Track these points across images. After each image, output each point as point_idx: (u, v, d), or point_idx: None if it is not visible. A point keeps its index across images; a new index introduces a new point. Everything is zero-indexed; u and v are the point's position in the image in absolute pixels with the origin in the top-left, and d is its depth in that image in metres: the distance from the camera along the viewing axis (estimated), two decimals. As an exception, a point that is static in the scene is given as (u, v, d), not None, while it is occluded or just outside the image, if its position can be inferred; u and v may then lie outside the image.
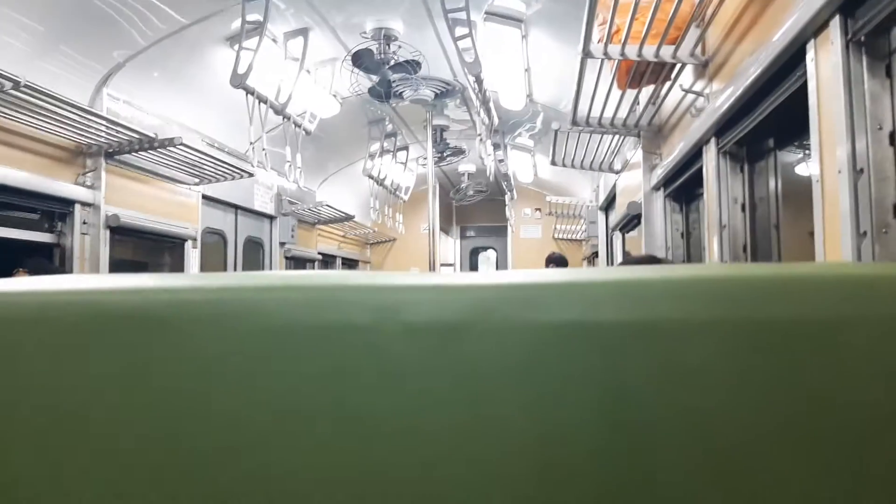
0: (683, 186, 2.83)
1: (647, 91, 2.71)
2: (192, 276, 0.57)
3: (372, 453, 0.50)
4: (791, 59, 1.59)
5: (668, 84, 2.50)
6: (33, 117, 2.81)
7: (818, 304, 0.50)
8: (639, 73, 2.45)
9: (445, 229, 9.02)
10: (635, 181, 3.40)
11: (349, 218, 6.26)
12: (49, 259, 3.25)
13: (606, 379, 0.50)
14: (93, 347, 0.51)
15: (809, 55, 1.47)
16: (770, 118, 1.86)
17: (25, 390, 0.51)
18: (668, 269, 0.56)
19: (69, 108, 2.87)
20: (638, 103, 2.90)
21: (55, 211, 3.28)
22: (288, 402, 0.50)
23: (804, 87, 1.54)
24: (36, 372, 0.51)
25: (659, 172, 2.98)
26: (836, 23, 1.34)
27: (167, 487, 0.50)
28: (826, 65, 1.40)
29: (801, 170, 2.17)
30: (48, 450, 0.50)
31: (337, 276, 0.56)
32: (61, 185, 3.23)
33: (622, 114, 2.94)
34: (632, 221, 3.62)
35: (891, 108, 1.29)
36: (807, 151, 2.11)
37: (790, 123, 1.89)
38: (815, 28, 1.41)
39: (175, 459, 0.50)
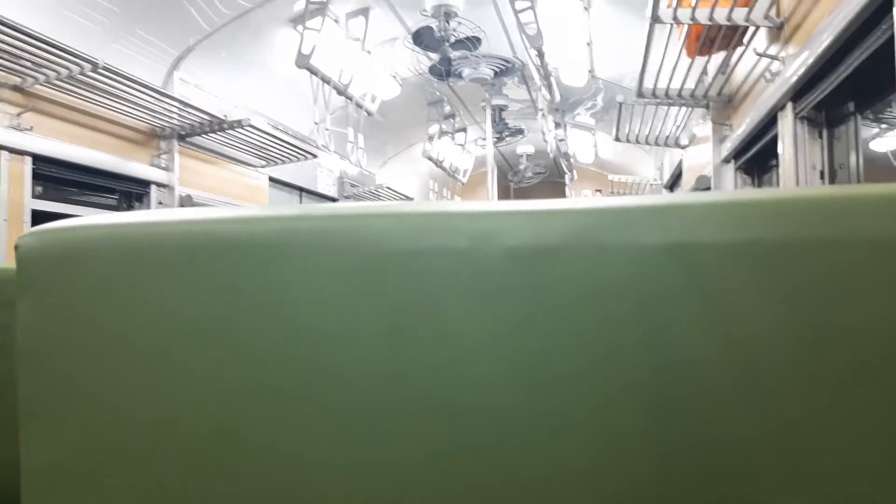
0: (756, 157, 2.73)
1: (716, 59, 2.63)
2: (297, 206, 0.59)
3: (472, 371, 0.51)
4: (874, 15, 1.52)
5: (739, 50, 2.41)
6: (111, 99, 2.94)
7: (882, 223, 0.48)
8: (709, 39, 2.37)
9: (504, 212, 8.95)
10: (703, 155, 3.31)
11: (408, 200, 6.32)
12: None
13: (705, 299, 0.49)
14: (205, 273, 0.54)
15: (897, 6, 1.39)
16: (851, 79, 1.78)
17: (141, 315, 0.54)
18: (767, 191, 0.55)
19: (144, 91, 2.99)
20: (707, 73, 2.81)
21: (133, 191, 3.42)
22: (391, 324, 0.52)
23: (887, 45, 1.47)
24: (149, 298, 0.54)
25: (729, 144, 2.89)
26: (928, -32, 1.27)
27: (270, 404, 0.52)
28: (917, 13, 1.33)
29: (882, 143, 2.07)
30: (160, 370, 0.53)
31: (437, 204, 0.58)
32: (138, 167, 3.37)
33: (690, 84, 2.86)
34: (699, 197, 3.53)
35: None
36: (885, 125, 2.01)
37: (872, 86, 1.80)
38: (904, -25, 1.34)
39: (279, 378, 0.52)
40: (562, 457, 0.50)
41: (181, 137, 3.58)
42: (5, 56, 2.36)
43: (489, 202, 0.58)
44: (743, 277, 0.49)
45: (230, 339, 0.53)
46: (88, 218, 0.57)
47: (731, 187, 2.99)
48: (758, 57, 2.33)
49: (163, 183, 3.52)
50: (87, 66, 2.55)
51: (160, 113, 3.26)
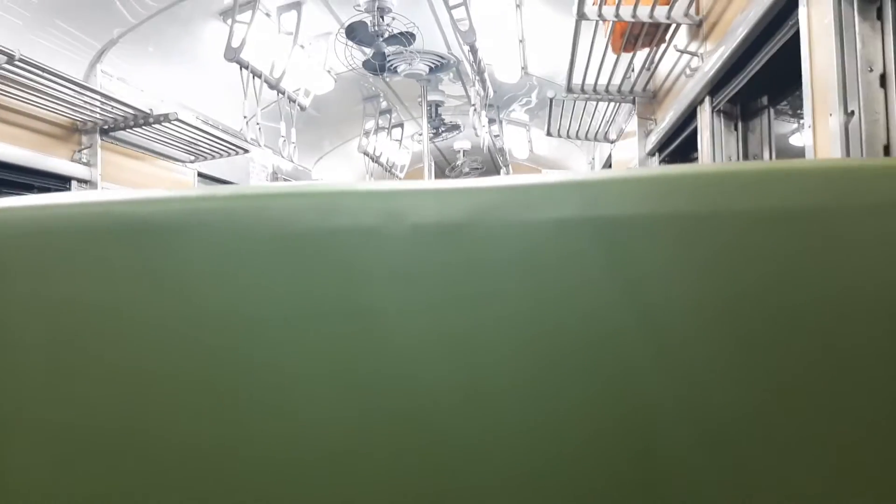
0: (678, 150, 2.84)
1: (641, 56, 2.72)
2: (201, 188, 0.58)
3: (381, 350, 0.52)
4: (782, 11, 1.61)
5: (662, 47, 2.51)
6: (28, 93, 2.81)
7: (811, 194, 0.52)
8: (633, 36, 2.45)
9: (441, 209, 9.01)
10: (630, 149, 3.42)
11: (345, 197, 6.25)
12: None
13: (607, 272, 0.52)
14: (106, 257, 0.53)
15: (802, 3, 1.48)
16: (762, 73, 1.88)
17: (40, 300, 0.53)
18: (662, 168, 0.58)
19: (65, 84, 2.87)
20: (633, 69, 2.91)
21: (51, 187, 3.28)
22: (299, 304, 0.52)
23: (795, 40, 1.55)
24: (49, 282, 0.53)
25: (653, 138, 3.00)
26: (827, -32, 1.35)
27: (180, 391, 0.52)
28: (818, 11, 1.41)
29: (798, 139, 2.19)
30: (63, 359, 0.52)
31: (344, 183, 0.58)
32: (57, 162, 3.23)
33: (617, 80, 2.95)
34: (627, 190, 3.64)
35: (881, 50, 1.31)
36: (800, 109, 2.13)
37: (782, 79, 1.91)
38: (806, -26, 1.42)
39: (187, 364, 0.52)
40: (483, 427, 0.52)
41: (104, 132, 3.45)
42: None
43: (395, 181, 0.59)
44: (650, 249, 0.52)
45: (134, 325, 0.52)
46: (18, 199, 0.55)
47: (657, 180, 3.09)
48: (679, 53, 2.42)
49: (84, 178, 3.38)
50: (3, 59, 2.43)
51: (80, 107, 3.13)
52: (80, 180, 3.38)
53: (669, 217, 0.52)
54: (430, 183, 0.57)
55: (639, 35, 2.44)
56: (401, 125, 5.69)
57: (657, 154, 3.05)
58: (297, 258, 0.53)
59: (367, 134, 5.27)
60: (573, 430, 0.51)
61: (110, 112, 3.31)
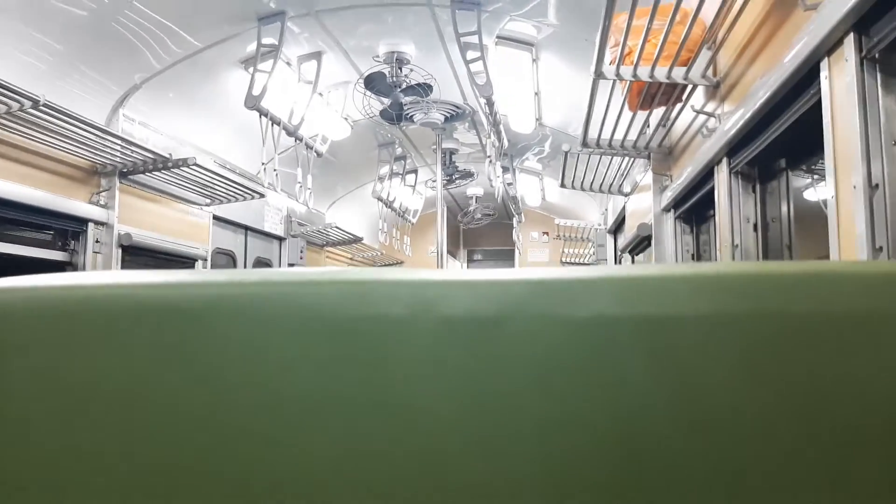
0: (694, 208, 2.84)
1: (657, 113, 2.73)
2: (228, 271, 0.57)
3: (408, 444, 0.50)
4: (803, 79, 1.61)
5: (678, 106, 2.52)
6: (50, 136, 2.85)
7: (839, 298, 0.51)
8: (650, 95, 2.47)
9: (453, 252, 9.04)
10: (645, 203, 3.42)
11: (358, 240, 6.29)
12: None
13: (641, 372, 0.50)
14: (129, 341, 0.52)
15: (823, 73, 1.48)
16: (782, 138, 1.88)
17: (59, 384, 0.51)
18: (697, 265, 0.57)
19: (86, 128, 2.91)
20: (648, 126, 2.92)
21: (69, 229, 3.31)
22: (325, 394, 0.51)
23: (816, 106, 1.55)
24: (68, 366, 0.51)
25: (669, 194, 3.00)
26: (850, 40, 1.35)
27: (201, 478, 0.50)
28: (840, 82, 1.41)
29: (813, 193, 2.18)
30: (84, 440, 0.51)
31: (372, 271, 0.57)
32: (75, 204, 3.26)
33: (632, 136, 2.96)
34: (641, 243, 3.63)
35: (906, 124, 1.31)
36: (817, 175, 2.12)
37: (802, 144, 1.90)
38: (828, 46, 1.43)
39: (209, 450, 0.50)
40: None
41: (123, 175, 3.49)
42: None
43: (428, 270, 0.58)
44: (680, 348, 0.50)
45: (156, 410, 0.51)
46: (3, 280, 0.55)
47: (671, 235, 3.08)
48: (695, 113, 2.43)
49: (101, 221, 3.41)
50: (28, 104, 2.48)
51: (101, 150, 3.18)
52: (97, 222, 3.41)
53: (708, 317, 0.51)
54: (461, 273, 0.56)
55: (655, 94, 2.46)
56: (415, 171, 5.73)
57: (672, 210, 3.04)
58: (323, 346, 0.52)
59: (381, 179, 5.31)
60: None
61: (130, 156, 3.35)
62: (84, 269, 3.32)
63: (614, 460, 0.49)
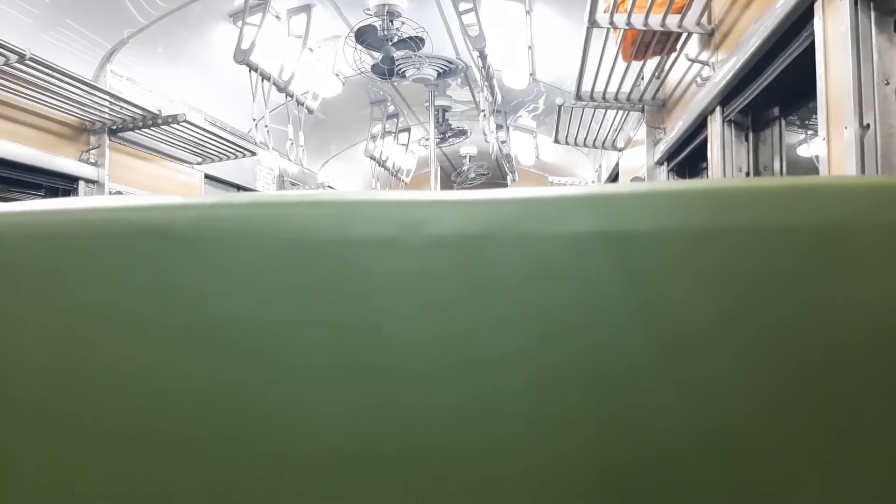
0: (686, 160, 2.83)
1: (651, 64, 2.71)
2: (216, 195, 0.57)
3: (395, 358, 0.51)
4: (796, 23, 1.60)
5: (673, 55, 2.50)
6: (38, 92, 2.81)
7: (823, 211, 0.51)
8: (644, 45, 2.45)
9: (446, 214, 9.00)
10: (638, 157, 3.41)
11: (351, 200, 6.25)
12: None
13: (622, 287, 0.51)
14: (117, 263, 0.52)
15: (817, 15, 1.47)
16: (775, 85, 1.87)
17: (48, 305, 0.52)
18: (678, 183, 0.58)
19: (74, 84, 2.87)
20: (643, 78, 2.90)
21: (59, 187, 3.28)
22: (312, 313, 0.51)
23: (809, 51, 1.55)
24: (64, 288, 0.52)
25: (662, 147, 2.99)
26: (844, -21, 1.34)
27: (189, 397, 0.51)
28: (833, 22, 1.40)
29: (806, 149, 2.18)
30: (71, 364, 0.51)
31: (363, 193, 0.58)
32: (65, 162, 3.23)
33: (626, 88, 2.94)
34: (635, 198, 3.63)
35: (898, 63, 1.30)
36: (811, 131, 2.12)
37: (796, 91, 1.90)
38: (823, -14, 1.42)
39: (197, 370, 0.51)
40: (496, 440, 0.51)
41: (112, 132, 3.45)
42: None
43: (415, 191, 0.58)
44: (667, 264, 0.51)
45: (143, 331, 0.51)
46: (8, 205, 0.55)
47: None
48: (690, 62, 2.41)
49: (92, 179, 3.38)
50: (14, 58, 2.43)
51: (90, 107, 3.13)
52: (87, 180, 3.38)
53: (685, 232, 0.52)
54: (447, 194, 0.57)
55: (650, 43, 2.43)
56: (408, 130, 5.69)
57: (665, 163, 3.04)
58: (311, 267, 0.52)
59: (373, 138, 5.27)
60: (578, 443, 0.50)
61: (119, 113, 3.31)
62: (76, 227, 3.30)
63: (601, 378, 0.50)
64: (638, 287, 0.51)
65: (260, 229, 0.53)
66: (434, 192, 0.58)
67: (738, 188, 0.54)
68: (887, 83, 1.31)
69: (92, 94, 3.03)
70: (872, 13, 1.32)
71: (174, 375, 0.52)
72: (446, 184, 7.47)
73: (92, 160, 3.42)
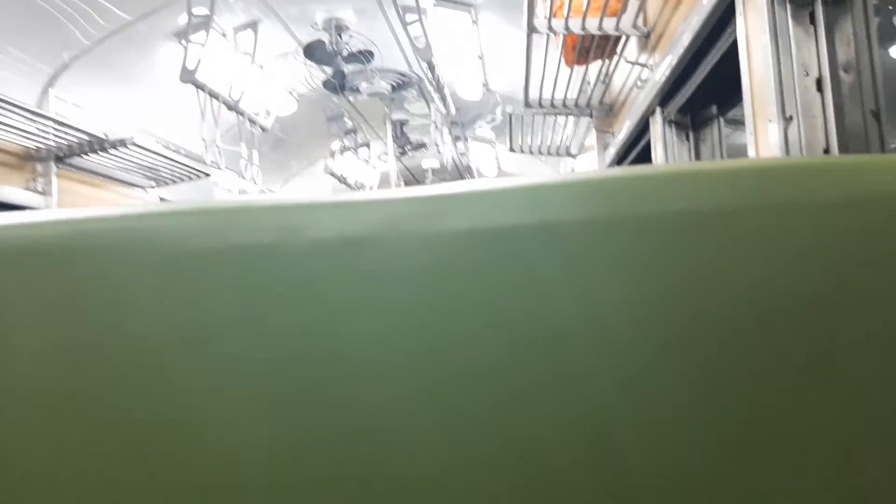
0: (635, 162, 2.86)
1: (595, 69, 2.74)
2: (93, 209, 0.55)
3: (286, 370, 0.49)
4: (721, 19, 1.62)
5: (614, 59, 2.52)
6: (-25, 119, 2.75)
7: (719, 194, 0.51)
8: (584, 49, 2.47)
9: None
10: (591, 163, 3.43)
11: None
12: None
13: (515, 283, 0.50)
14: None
15: (739, 10, 1.49)
16: (709, 82, 1.89)
17: None
18: (568, 174, 0.57)
19: (14, 111, 2.81)
20: (588, 83, 2.92)
21: (5, 217, 3.20)
22: (198, 327, 0.49)
23: (733, 48, 1.57)
24: None
25: (612, 150, 3.01)
26: (759, -25, 1.36)
27: (85, 420, 0.48)
28: (753, 17, 1.42)
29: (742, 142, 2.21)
30: None
31: (240, 199, 0.56)
32: (10, 191, 3.15)
33: (573, 94, 2.96)
34: (590, 203, 3.65)
35: (816, 54, 1.32)
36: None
37: (730, 86, 1.92)
38: (740, -18, 1.44)
39: (86, 390, 0.49)
40: (391, 443, 0.49)
41: (59, 159, 3.38)
42: None
43: (294, 196, 0.57)
44: (546, 259, 0.50)
45: (19, 351, 0.49)
46: None
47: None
48: (630, 65, 2.44)
49: (39, 208, 3.30)
50: (-57, 83, 2.37)
51: (33, 133, 3.07)
52: (34, 210, 3.30)
53: (577, 223, 0.51)
54: (328, 197, 0.55)
55: (590, 47, 2.46)
56: (367, 144, 5.67)
57: (616, 166, 3.06)
58: (191, 278, 0.50)
59: (333, 154, 5.25)
60: (492, 439, 0.49)
61: (64, 138, 3.24)
62: (23, 256, 3.22)
63: (487, 373, 0.49)
64: (522, 281, 0.50)
65: (134, 241, 0.51)
66: (310, 196, 0.56)
67: (626, 177, 0.54)
68: (807, 74, 1.33)
69: (34, 120, 2.97)
70: (789, 6, 1.34)
71: (49, 393, 0.49)
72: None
73: (39, 188, 3.34)
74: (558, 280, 0.50)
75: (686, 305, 0.48)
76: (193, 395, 0.50)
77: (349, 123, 5.15)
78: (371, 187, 6.21)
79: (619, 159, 2.94)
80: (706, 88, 1.94)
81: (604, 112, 3.09)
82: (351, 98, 4.35)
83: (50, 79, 3.26)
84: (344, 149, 5.31)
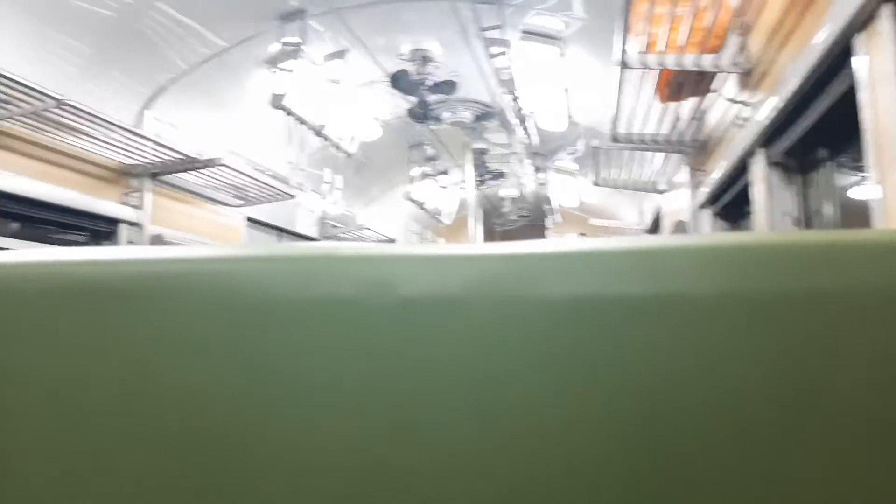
0: (731, 203, 2.70)
1: (689, 105, 2.61)
2: (166, 247, 0.50)
3: (365, 440, 0.44)
4: (836, 59, 1.49)
5: (711, 95, 2.40)
6: (80, 138, 2.89)
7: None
8: (679, 85, 2.36)
9: (489, 255, 8.93)
10: (681, 200, 3.28)
11: (390, 241, 6.26)
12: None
13: (631, 357, 0.43)
14: (57, 323, 0.46)
15: (860, 51, 1.36)
16: (820, 126, 1.75)
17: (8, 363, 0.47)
18: (694, 238, 0.50)
19: (114, 129, 2.94)
20: (679, 119, 2.80)
21: (101, 230, 3.35)
22: (268, 385, 0.45)
23: (850, 91, 1.44)
24: (14, 346, 0.47)
25: (705, 190, 2.86)
26: (887, 13, 1.24)
27: (142, 469, 0.44)
28: (877, 59, 1.29)
29: (861, 191, 2.04)
30: (10, 429, 0.46)
31: (324, 246, 0.51)
32: (107, 205, 3.30)
33: (664, 129, 2.84)
34: (677, 243, 3.48)
35: (952, 100, 1.19)
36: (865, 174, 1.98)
37: (843, 131, 1.77)
38: (861, 20, 1.31)
39: (149, 443, 0.45)
40: None
41: (153, 175, 3.52)
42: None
43: (387, 245, 0.51)
44: (662, 332, 0.43)
45: (77, 403, 0.45)
46: None
47: (708, 232, 2.95)
48: (729, 102, 2.31)
49: (132, 221, 3.45)
50: (51, 103, 2.50)
51: (130, 151, 3.21)
52: (128, 223, 3.45)
53: (704, 296, 0.44)
54: (423, 249, 0.49)
55: (684, 83, 2.34)
56: (446, 172, 5.68)
57: (710, 206, 2.91)
58: (266, 332, 0.46)
59: (412, 180, 5.27)
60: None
61: (159, 157, 3.37)
62: (114, 269, 3.35)
63: (592, 447, 0.43)
64: (638, 355, 0.44)
65: (208, 288, 0.46)
66: (406, 247, 0.51)
67: (758, 246, 0.46)
68: (940, 120, 1.19)
69: (132, 139, 3.10)
70: (920, 47, 1.21)
71: (122, 445, 0.45)
72: (487, 225, 7.41)
73: (133, 203, 3.48)
74: (676, 356, 0.43)
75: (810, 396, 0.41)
76: (258, 461, 0.45)
77: (430, 150, 5.17)
78: (450, 213, 6.20)
79: (714, 199, 2.79)
80: (815, 130, 1.79)
81: (696, 149, 2.95)
82: (433, 126, 4.36)
83: (147, 100, 3.41)
84: (424, 175, 5.33)
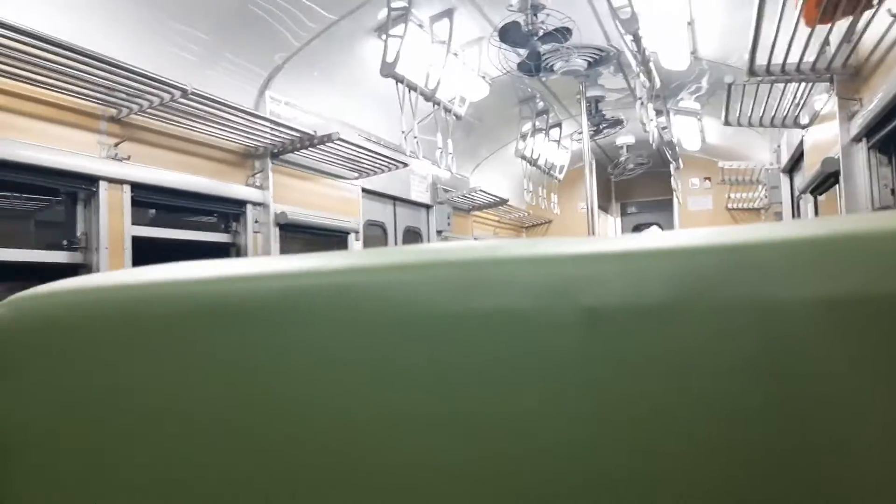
0: (893, 134, 2.39)
1: (840, 26, 2.32)
2: (306, 256, 0.45)
3: (542, 474, 0.37)
4: None
5: (869, 13, 2.11)
6: (204, 124, 2.99)
7: None
8: (831, 4, 2.08)
9: (604, 207, 8.67)
10: (829, 134, 2.97)
11: (503, 202, 6.17)
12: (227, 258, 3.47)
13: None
14: (195, 344, 0.43)
15: None
16: None
17: (126, 386, 0.44)
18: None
19: (236, 113, 3.02)
20: (829, 44, 2.50)
21: (230, 212, 3.49)
22: (423, 407, 0.39)
23: None
24: (132, 373, 0.44)
25: (859, 121, 2.56)
26: None
27: (289, 488, 0.41)
28: None
29: None
30: (150, 449, 0.44)
31: (487, 247, 0.44)
32: (234, 187, 3.43)
33: (810, 57, 2.55)
34: (826, 181, 3.17)
35: None
36: None
37: None
38: None
39: (295, 465, 0.41)
40: None
41: (274, 155, 3.62)
42: (103, 90, 2.44)
43: (565, 240, 0.43)
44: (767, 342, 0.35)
45: (230, 423, 0.43)
46: (74, 280, 0.48)
47: (865, 169, 2.64)
48: (892, 19, 2.02)
49: (258, 202, 3.57)
50: (178, 93, 2.59)
51: (252, 133, 3.30)
52: (254, 203, 3.57)
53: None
54: (611, 243, 0.41)
55: (839, 2, 2.07)
56: (559, 125, 5.48)
57: (865, 139, 2.60)
58: (421, 350, 0.40)
59: (523, 137, 5.13)
60: None
61: (278, 136, 3.45)
62: (246, 248, 3.49)
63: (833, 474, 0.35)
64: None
65: (356, 303, 0.41)
66: (590, 242, 0.42)
67: None
68: None
69: (253, 120, 3.18)
70: None
71: (252, 471, 0.42)
72: (602, 177, 7.14)
73: (257, 184, 3.60)
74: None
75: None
76: (413, 487, 0.40)
77: (541, 104, 5.00)
78: (563, 167, 6.02)
79: (871, 131, 2.49)
80: None
81: (848, 76, 2.63)
82: (543, 78, 4.19)
83: (265, 81, 3.48)
84: (535, 130, 5.17)
